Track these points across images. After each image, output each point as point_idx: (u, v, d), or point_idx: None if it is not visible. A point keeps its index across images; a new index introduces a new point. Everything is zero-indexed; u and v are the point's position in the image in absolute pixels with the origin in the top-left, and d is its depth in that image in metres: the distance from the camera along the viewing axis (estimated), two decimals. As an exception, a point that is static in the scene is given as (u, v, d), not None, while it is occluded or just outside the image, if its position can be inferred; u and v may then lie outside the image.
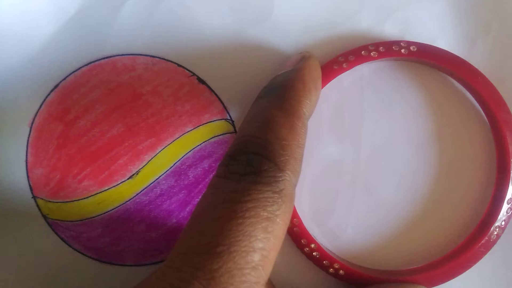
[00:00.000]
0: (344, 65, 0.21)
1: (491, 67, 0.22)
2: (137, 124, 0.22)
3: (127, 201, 0.22)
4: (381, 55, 0.21)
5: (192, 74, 0.22)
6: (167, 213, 0.22)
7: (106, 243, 0.22)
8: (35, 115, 0.22)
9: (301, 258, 0.22)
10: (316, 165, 0.22)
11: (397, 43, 0.21)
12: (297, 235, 0.21)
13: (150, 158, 0.22)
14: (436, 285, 0.21)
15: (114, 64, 0.22)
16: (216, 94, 0.22)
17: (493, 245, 0.21)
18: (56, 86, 0.22)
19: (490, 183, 0.22)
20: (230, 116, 0.22)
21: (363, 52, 0.21)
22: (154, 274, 0.15)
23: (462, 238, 0.22)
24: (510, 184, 0.21)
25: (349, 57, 0.21)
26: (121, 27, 0.22)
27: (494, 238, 0.21)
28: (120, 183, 0.22)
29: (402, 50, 0.21)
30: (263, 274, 0.15)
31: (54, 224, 0.22)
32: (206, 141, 0.22)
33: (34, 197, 0.22)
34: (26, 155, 0.22)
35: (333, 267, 0.21)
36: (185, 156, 0.22)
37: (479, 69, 0.21)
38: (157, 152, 0.22)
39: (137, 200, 0.22)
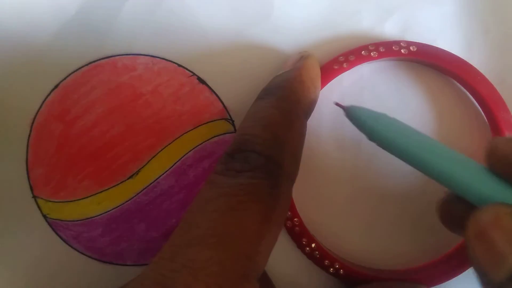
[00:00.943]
0: (344, 65, 0.21)
1: (491, 67, 0.22)
2: (137, 124, 0.22)
3: (127, 201, 0.22)
4: (381, 55, 0.21)
5: (192, 74, 0.22)
6: (167, 213, 0.22)
7: (106, 242, 0.22)
8: (35, 115, 0.22)
9: (301, 258, 0.22)
10: (316, 165, 0.22)
11: (397, 43, 0.21)
12: (297, 235, 0.22)
13: (150, 158, 0.22)
14: (437, 284, 0.21)
15: (114, 64, 0.22)
16: (216, 94, 0.22)
17: (493, 245, 0.21)
18: (56, 86, 0.22)
19: (489, 183, 0.22)
20: (230, 116, 0.22)
21: (363, 52, 0.21)
22: (149, 266, 0.16)
23: (462, 238, 0.22)
24: (509, 183, 0.21)
25: (349, 57, 0.21)
26: (121, 27, 0.22)
27: (494, 237, 0.21)
28: (120, 183, 0.22)
29: (402, 50, 0.21)
30: (256, 267, 0.15)
31: (54, 224, 0.22)
32: (206, 140, 0.22)
33: (34, 197, 0.22)
34: (27, 155, 0.22)
35: (333, 267, 0.21)
36: (185, 156, 0.22)
37: (479, 69, 0.21)
38: (157, 152, 0.22)
39: (137, 200, 0.22)
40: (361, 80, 0.22)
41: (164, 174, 0.22)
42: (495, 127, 0.22)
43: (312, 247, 0.21)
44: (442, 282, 0.21)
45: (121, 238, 0.22)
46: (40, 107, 0.22)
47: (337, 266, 0.21)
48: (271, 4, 0.22)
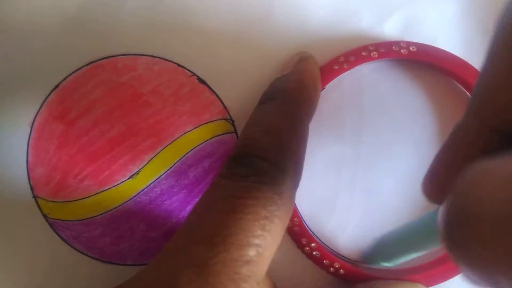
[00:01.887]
0: (345, 65, 0.21)
1: (490, 67, 0.22)
2: (137, 124, 0.22)
3: (127, 201, 0.22)
4: (381, 55, 0.21)
5: (192, 74, 0.22)
6: (167, 213, 0.22)
7: (107, 242, 0.22)
8: (36, 115, 0.22)
9: (301, 257, 0.22)
10: (316, 165, 0.22)
11: (397, 43, 0.21)
12: (297, 235, 0.22)
13: (151, 158, 0.22)
14: (435, 284, 0.22)
15: (115, 64, 0.22)
16: (216, 94, 0.22)
17: (492, 245, 0.21)
18: (56, 86, 0.22)
19: (489, 183, 0.22)
20: (230, 116, 0.22)
21: (363, 52, 0.21)
22: (151, 264, 0.16)
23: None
24: (509, 183, 0.21)
25: (349, 57, 0.21)
26: (121, 27, 0.22)
27: (494, 237, 0.21)
28: (121, 182, 0.22)
29: (402, 50, 0.21)
30: (257, 270, 0.15)
31: (54, 224, 0.22)
32: (206, 140, 0.22)
33: (34, 197, 0.22)
34: (27, 155, 0.22)
35: (333, 266, 0.21)
36: (185, 156, 0.22)
37: (479, 69, 0.21)
38: (158, 151, 0.22)
39: (138, 199, 0.22)
40: (361, 80, 0.22)
41: (164, 174, 0.22)
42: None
43: (311, 246, 0.21)
44: (442, 282, 0.21)
45: (121, 238, 0.22)
46: (40, 107, 0.22)
47: (337, 266, 0.21)
48: (271, 4, 0.22)
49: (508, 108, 0.13)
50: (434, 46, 0.22)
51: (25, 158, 0.22)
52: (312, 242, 0.21)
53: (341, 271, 0.21)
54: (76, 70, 0.22)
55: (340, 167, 0.22)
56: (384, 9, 0.22)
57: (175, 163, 0.22)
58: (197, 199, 0.22)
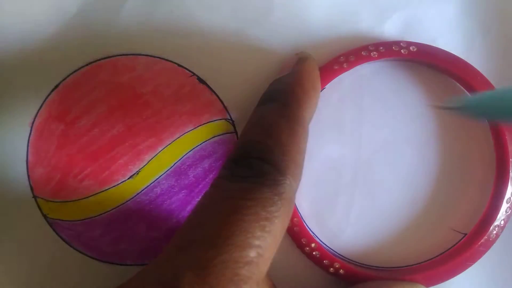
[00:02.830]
0: (345, 65, 0.21)
1: (491, 67, 0.22)
2: (137, 124, 0.22)
3: (127, 201, 0.22)
4: (381, 55, 0.21)
5: (192, 74, 0.22)
6: (167, 213, 0.22)
7: (107, 242, 0.22)
8: (36, 115, 0.22)
9: (301, 257, 0.22)
10: (316, 165, 0.22)
11: (397, 43, 0.21)
12: (297, 235, 0.22)
13: (151, 158, 0.22)
14: (435, 284, 0.22)
15: (115, 64, 0.22)
16: (216, 94, 0.22)
17: (492, 244, 0.21)
18: (56, 86, 0.22)
19: (489, 182, 0.22)
20: (230, 116, 0.22)
21: (363, 52, 0.21)
22: (151, 265, 0.16)
23: (461, 237, 0.22)
24: (509, 183, 0.21)
25: (349, 57, 0.21)
26: (122, 27, 0.22)
27: (494, 237, 0.21)
28: (121, 182, 0.22)
29: (402, 50, 0.21)
30: (258, 272, 0.15)
31: (54, 224, 0.22)
32: (206, 140, 0.22)
33: (34, 197, 0.22)
34: (27, 155, 0.22)
35: (333, 267, 0.21)
36: (185, 156, 0.22)
37: (479, 69, 0.21)
38: (158, 152, 0.22)
39: (138, 199, 0.22)
40: (361, 80, 0.22)
41: (164, 174, 0.22)
42: (494, 127, 0.22)
43: (311, 246, 0.21)
44: (442, 281, 0.22)
45: (121, 238, 0.22)
46: (40, 107, 0.22)
47: (337, 266, 0.21)
48: (271, 4, 0.22)
49: None
50: (434, 46, 0.22)
51: (25, 158, 0.22)
52: (312, 242, 0.21)
53: (341, 271, 0.21)
54: (76, 70, 0.22)
55: (340, 167, 0.22)
56: (384, 9, 0.22)
57: (175, 163, 0.22)
58: (197, 199, 0.22)
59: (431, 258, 0.22)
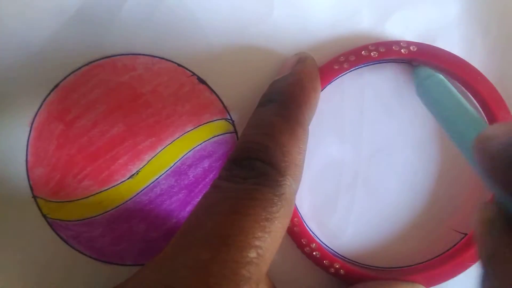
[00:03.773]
0: (345, 65, 0.21)
1: (491, 67, 0.22)
2: (137, 124, 0.22)
3: (127, 201, 0.22)
4: (381, 55, 0.21)
5: (192, 74, 0.22)
6: (167, 213, 0.22)
7: (106, 242, 0.22)
8: (35, 114, 0.22)
9: (301, 257, 0.22)
10: (317, 165, 0.22)
11: (397, 43, 0.21)
12: (297, 235, 0.22)
13: (150, 158, 0.22)
14: (435, 284, 0.22)
15: (114, 63, 0.22)
16: (216, 94, 0.22)
17: (492, 245, 0.21)
18: (56, 86, 0.22)
19: (489, 183, 0.22)
20: (230, 116, 0.22)
21: (363, 52, 0.21)
22: (150, 265, 0.16)
23: (461, 237, 0.22)
24: (509, 183, 0.21)
25: (349, 57, 0.21)
26: (121, 27, 0.22)
27: (494, 237, 0.21)
28: (120, 182, 0.22)
29: (402, 50, 0.21)
30: (258, 272, 0.15)
31: (54, 224, 0.22)
32: (206, 140, 0.22)
33: (34, 197, 0.22)
34: (26, 155, 0.22)
35: (333, 267, 0.21)
36: (185, 156, 0.22)
37: (479, 69, 0.21)
38: (157, 151, 0.22)
39: (137, 199, 0.22)
40: (361, 80, 0.22)
41: (164, 174, 0.22)
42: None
43: (312, 247, 0.21)
44: (442, 282, 0.22)
45: (121, 238, 0.22)
46: (40, 107, 0.22)
47: (337, 266, 0.21)
48: (271, 4, 0.22)
49: None
50: (434, 46, 0.22)
51: (24, 158, 0.22)
52: (312, 242, 0.21)
53: (341, 271, 0.21)
54: (75, 70, 0.22)
55: (340, 167, 0.22)
56: (384, 9, 0.22)
57: (175, 163, 0.22)
58: (197, 199, 0.22)
59: (431, 258, 0.22)
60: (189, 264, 0.14)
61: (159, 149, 0.22)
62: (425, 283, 0.21)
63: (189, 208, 0.22)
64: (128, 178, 0.22)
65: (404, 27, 0.22)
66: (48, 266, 0.22)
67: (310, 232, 0.22)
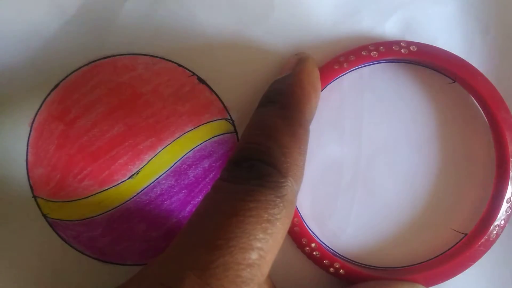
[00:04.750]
0: (345, 65, 0.21)
1: (491, 67, 0.22)
2: (137, 124, 0.22)
3: (127, 201, 0.22)
4: (381, 55, 0.21)
5: (192, 74, 0.22)
6: (167, 213, 0.22)
7: (107, 242, 0.22)
8: (36, 114, 0.22)
9: (301, 257, 0.22)
10: (317, 165, 0.22)
11: (397, 43, 0.21)
12: (297, 235, 0.22)
13: (151, 158, 0.22)
14: (435, 284, 0.22)
15: (115, 63, 0.22)
16: (216, 94, 0.22)
17: (492, 244, 0.21)
18: (56, 86, 0.22)
19: (489, 182, 0.22)
20: (230, 116, 0.22)
21: (363, 52, 0.21)
22: (151, 266, 0.16)
23: (462, 237, 0.22)
24: (509, 183, 0.21)
25: (349, 57, 0.21)
26: (122, 27, 0.22)
27: (494, 237, 0.21)
28: (121, 182, 0.22)
29: (402, 50, 0.21)
30: (259, 274, 0.15)
31: (54, 224, 0.22)
32: (206, 140, 0.22)
33: (34, 197, 0.22)
34: (27, 155, 0.22)
35: (333, 267, 0.21)
36: (185, 156, 0.22)
37: (479, 69, 0.21)
38: (158, 151, 0.22)
39: (138, 199, 0.22)
40: (361, 80, 0.22)
41: (164, 174, 0.22)
42: (495, 127, 0.22)
43: (312, 246, 0.21)
44: (442, 281, 0.22)
45: (121, 238, 0.22)
46: (40, 107, 0.22)
47: (337, 266, 0.21)
48: (271, 4, 0.22)
49: None
50: (434, 46, 0.22)
51: (24, 158, 0.22)
52: (312, 242, 0.21)
53: (341, 271, 0.21)
54: (76, 70, 0.22)
55: (340, 167, 0.22)
56: (384, 9, 0.22)
57: (175, 163, 0.22)
58: (197, 199, 0.22)
59: (431, 258, 0.22)
60: (192, 266, 0.14)
61: (159, 149, 0.22)
62: (425, 283, 0.21)
63: (189, 208, 0.22)
64: (128, 178, 0.22)
65: (404, 27, 0.22)
66: (48, 266, 0.22)
67: (310, 232, 0.22)
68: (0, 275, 0.22)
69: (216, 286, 0.14)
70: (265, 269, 0.15)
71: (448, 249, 0.22)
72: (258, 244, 0.15)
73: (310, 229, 0.22)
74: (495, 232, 0.21)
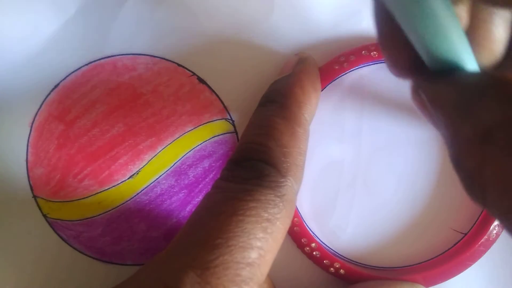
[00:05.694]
0: (345, 65, 0.21)
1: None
2: (137, 124, 0.22)
3: (127, 201, 0.22)
4: (381, 55, 0.21)
5: (192, 73, 0.22)
6: (167, 213, 0.22)
7: (107, 242, 0.22)
8: (36, 114, 0.22)
9: (301, 257, 0.22)
10: (317, 165, 0.22)
11: (397, 43, 0.21)
12: (297, 235, 0.22)
13: (151, 158, 0.22)
14: (435, 284, 0.22)
15: (115, 63, 0.22)
16: (216, 94, 0.22)
17: (492, 244, 0.21)
18: (56, 86, 0.22)
19: (489, 182, 0.22)
20: (230, 116, 0.22)
21: (363, 52, 0.21)
22: (151, 264, 0.16)
23: (461, 237, 0.22)
24: (509, 183, 0.21)
25: (350, 57, 0.21)
26: (121, 27, 0.22)
27: (494, 237, 0.21)
28: (121, 182, 0.22)
29: (402, 50, 0.21)
30: (258, 273, 0.15)
31: (54, 224, 0.22)
32: (206, 140, 0.22)
33: (34, 197, 0.22)
34: (27, 155, 0.22)
35: (333, 266, 0.21)
36: (185, 156, 0.22)
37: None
38: (158, 151, 0.22)
39: (138, 199, 0.22)
40: (361, 80, 0.22)
41: (164, 174, 0.22)
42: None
43: (312, 246, 0.21)
44: (442, 281, 0.22)
45: (121, 238, 0.22)
46: (40, 106, 0.22)
47: (337, 266, 0.21)
48: (271, 4, 0.22)
49: None
50: (434, 46, 0.22)
51: (25, 158, 0.22)
52: (312, 242, 0.21)
53: (341, 271, 0.21)
54: (75, 70, 0.22)
55: (340, 167, 0.22)
56: (384, 9, 0.22)
57: (175, 163, 0.22)
58: (197, 199, 0.22)
59: (431, 258, 0.22)
60: (192, 264, 0.14)
61: (159, 149, 0.22)
62: (424, 283, 0.21)
63: (189, 207, 0.22)
64: (128, 178, 0.22)
65: (404, 27, 0.22)
66: (48, 266, 0.22)
67: (310, 232, 0.22)
68: (0, 274, 0.22)
69: (216, 285, 0.14)
70: (265, 268, 0.15)
71: (448, 249, 0.22)
72: (258, 243, 0.15)
73: (310, 229, 0.22)
74: (495, 232, 0.21)
